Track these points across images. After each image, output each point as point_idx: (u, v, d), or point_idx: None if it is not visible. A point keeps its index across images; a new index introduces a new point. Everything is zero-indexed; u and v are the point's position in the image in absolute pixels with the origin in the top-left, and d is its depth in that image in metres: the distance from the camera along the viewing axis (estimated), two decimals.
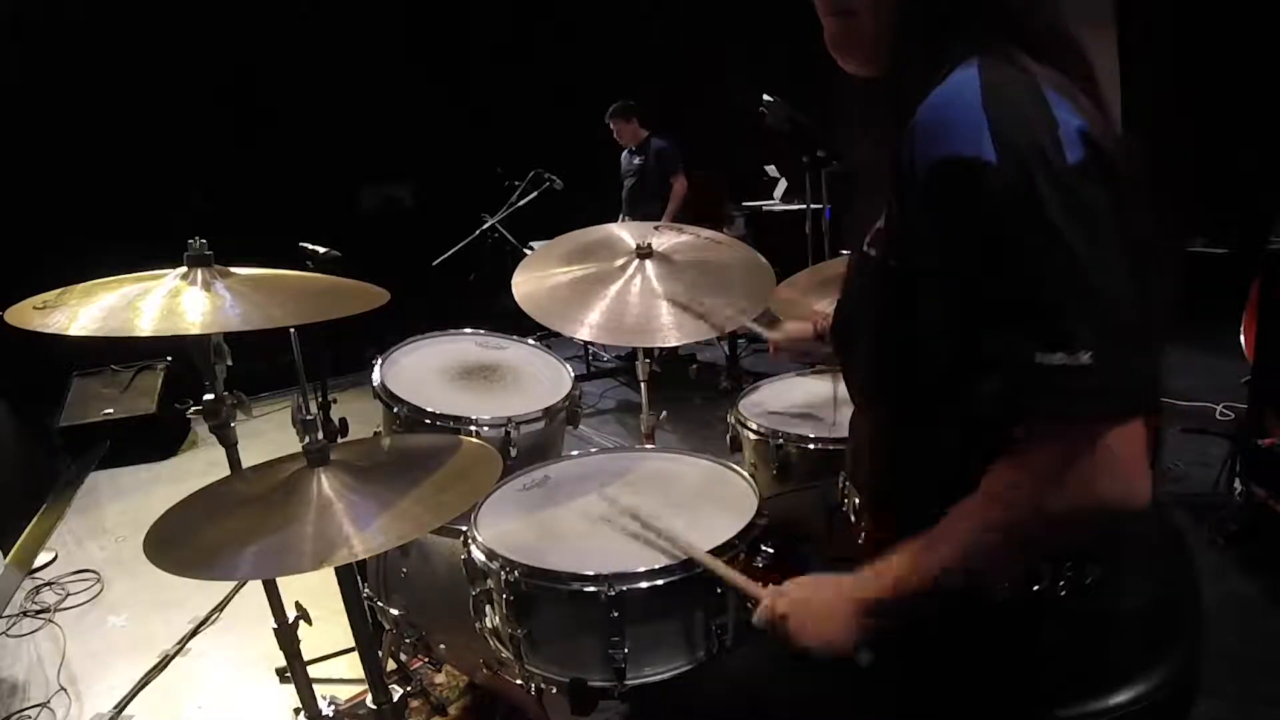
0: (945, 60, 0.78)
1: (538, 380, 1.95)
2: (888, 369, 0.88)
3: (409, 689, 1.73)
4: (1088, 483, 0.71)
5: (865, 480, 1.01)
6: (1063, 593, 0.84)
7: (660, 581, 1.16)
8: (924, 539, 0.81)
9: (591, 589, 1.15)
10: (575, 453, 1.66)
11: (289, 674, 1.61)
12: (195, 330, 1.24)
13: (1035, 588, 0.84)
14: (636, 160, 4.93)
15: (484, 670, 1.63)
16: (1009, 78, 0.75)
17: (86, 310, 1.21)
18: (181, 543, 1.07)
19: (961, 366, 0.75)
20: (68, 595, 2.79)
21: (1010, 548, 0.78)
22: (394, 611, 1.78)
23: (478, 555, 1.28)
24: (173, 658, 2.39)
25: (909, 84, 0.81)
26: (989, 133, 0.71)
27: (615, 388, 4.79)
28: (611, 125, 4.93)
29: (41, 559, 3.05)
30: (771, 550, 1.23)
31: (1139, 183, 0.78)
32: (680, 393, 4.48)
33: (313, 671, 1.69)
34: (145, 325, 1.19)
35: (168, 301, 1.26)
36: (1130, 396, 0.71)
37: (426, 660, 1.91)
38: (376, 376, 1.81)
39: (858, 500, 1.02)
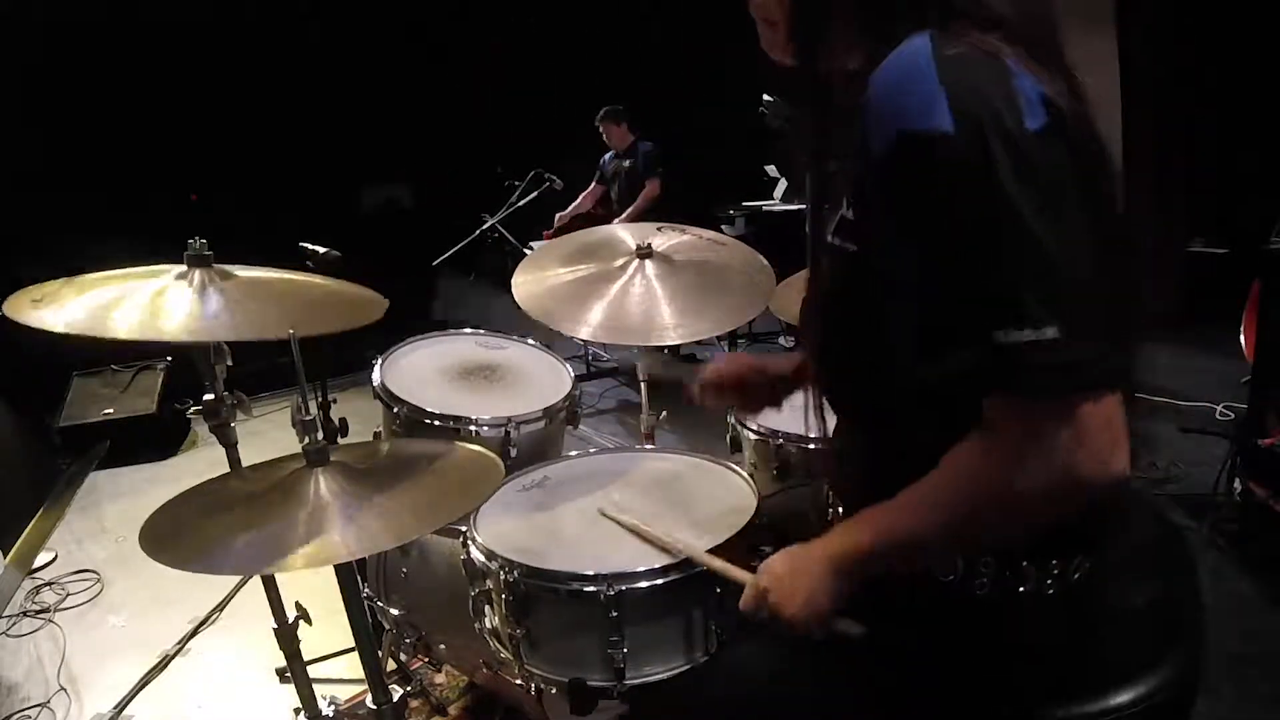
0: (885, 39, 0.75)
1: (538, 380, 1.95)
2: (862, 367, 0.86)
3: (409, 689, 1.73)
4: (1062, 460, 0.70)
5: (848, 485, 1.00)
6: (1050, 591, 0.83)
7: (659, 581, 1.16)
8: (902, 499, 0.80)
9: (591, 589, 1.16)
10: (575, 453, 1.66)
11: (289, 674, 1.61)
12: (186, 338, 1.25)
13: (1021, 589, 0.83)
14: (625, 163, 4.96)
15: (484, 670, 1.63)
16: (964, 46, 0.72)
17: (72, 305, 1.22)
18: (177, 537, 1.07)
19: (927, 352, 0.74)
20: (68, 595, 2.79)
21: (984, 523, 0.77)
22: (394, 611, 1.78)
23: (477, 555, 1.28)
24: (173, 658, 2.39)
25: (836, 72, 0.83)
26: (945, 102, 0.68)
27: (615, 388, 4.79)
28: (601, 128, 4.96)
29: (41, 559, 3.05)
30: (770, 550, 1.23)
31: (1106, 158, 0.77)
32: (680, 393, 4.47)
33: (313, 671, 1.69)
34: (125, 329, 1.20)
35: (155, 306, 1.26)
36: (1100, 371, 0.69)
37: (426, 660, 1.91)
38: (376, 376, 1.81)
39: (840, 509, 1.02)
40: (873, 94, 0.74)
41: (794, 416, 1.75)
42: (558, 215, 5.14)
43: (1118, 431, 0.70)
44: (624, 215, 4.81)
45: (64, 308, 1.22)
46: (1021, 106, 0.70)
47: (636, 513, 1.33)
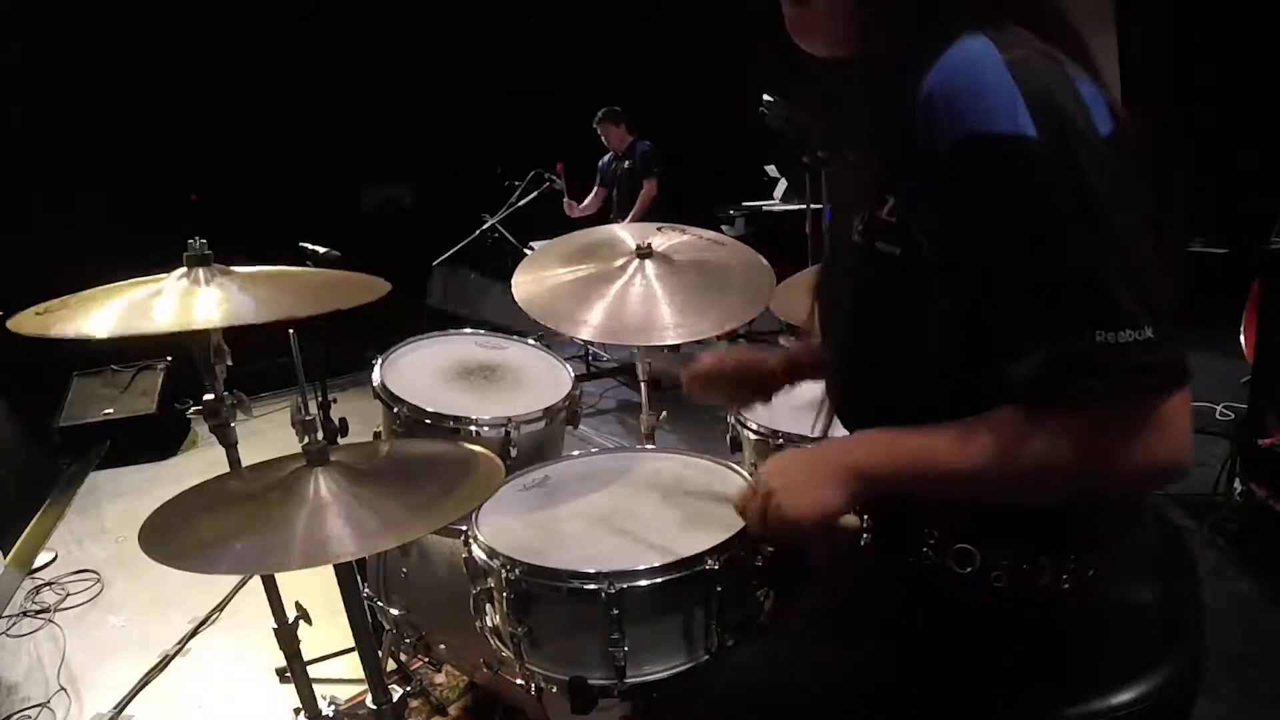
0: (938, 37, 0.74)
1: (538, 380, 1.95)
2: (900, 377, 0.84)
3: (409, 689, 1.73)
4: (1144, 452, 0.70)
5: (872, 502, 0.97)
6: (1065, 586, 0.83)
7: (660, 580, 1.16)
8: (944, 436, 0.78)
9: (591, 587, 1.15)
10: (575, 453, 1.66)
11: (289, 674, 1.61)
12: (207, 325, 1.25)
13: (1039, 583, 0.83)
14: (625, 164, 4.95)
15: (484, 670, 1.63)
16: (1027, 50, 0.71)
17: (99, 313, 1.22)
18: (177, 537, 1.07)
19: (988, 354, 0.73)
20: (68, 595, 2.79)
21: (1028, 491, 0.78)
22: (394, 611, 1.78)
23: (478, 554, 1.28)
24: (173, 658, 2.39)
25: (887, 62, 0.80)
26: (1023, 105, 0.68)
27: (615, 388, 4.79)
28: (599, 130, 4.95)
29: (41, 559, 3.05)
30: (770, 550, 1.23)
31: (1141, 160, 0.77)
32: (680, 393, 4.47)
33: (313, 671, 1.69)
34: (158, 322, 1.21)
35: (179, 300, 1.26)
36: (1184, 364, 0.70)
37: (426, 660, 1.91)
38: (376, 376, 1.81)
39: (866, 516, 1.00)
40: (934, 93, 0.72)
41: (794, 416, 1.75)
42: (566, 200, 5.08)
43: (1189, 419, 0.71)
44: (626, 219, 4.81)
45: (92, 316, 1.22)
46: (1091, 111, 0.71)
47: (641, 519, 1.33)
